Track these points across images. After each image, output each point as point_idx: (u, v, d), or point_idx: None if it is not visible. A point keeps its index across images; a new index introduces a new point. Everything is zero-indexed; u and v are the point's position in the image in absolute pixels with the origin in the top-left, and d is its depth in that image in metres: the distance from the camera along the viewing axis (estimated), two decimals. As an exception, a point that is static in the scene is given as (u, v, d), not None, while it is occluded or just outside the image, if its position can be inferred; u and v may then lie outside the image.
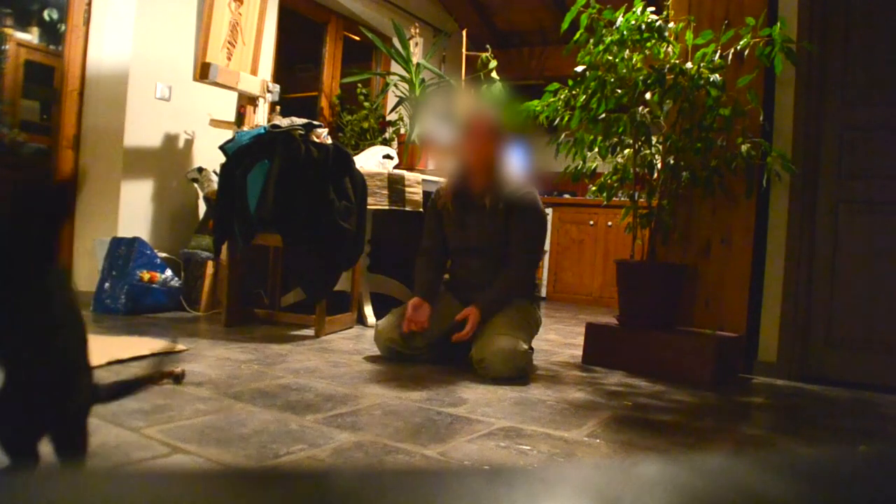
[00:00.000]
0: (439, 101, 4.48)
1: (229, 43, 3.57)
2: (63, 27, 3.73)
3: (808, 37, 2.74)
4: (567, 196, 6.04)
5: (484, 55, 4.21)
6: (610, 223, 5.61)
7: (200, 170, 3.68)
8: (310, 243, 3.04)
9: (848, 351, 2.70)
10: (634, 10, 2.65)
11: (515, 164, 2.84)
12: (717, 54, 2.65)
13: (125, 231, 3.54)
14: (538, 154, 5.67)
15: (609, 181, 2.95)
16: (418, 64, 4.27)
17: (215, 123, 3.71)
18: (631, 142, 2.82)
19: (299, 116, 3.35)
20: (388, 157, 3.82)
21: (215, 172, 3.53)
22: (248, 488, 0.24)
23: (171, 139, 3.77)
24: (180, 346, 2.50)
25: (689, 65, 2.65)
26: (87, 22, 3.65)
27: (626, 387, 2.42)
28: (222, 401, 1.81)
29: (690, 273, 2.92)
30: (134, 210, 3.60)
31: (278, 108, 4.08)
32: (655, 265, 2.85)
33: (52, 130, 3.74)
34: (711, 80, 2.60)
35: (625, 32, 2.64)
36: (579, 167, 2.90)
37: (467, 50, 4.58)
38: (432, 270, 2.71)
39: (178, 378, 1.96)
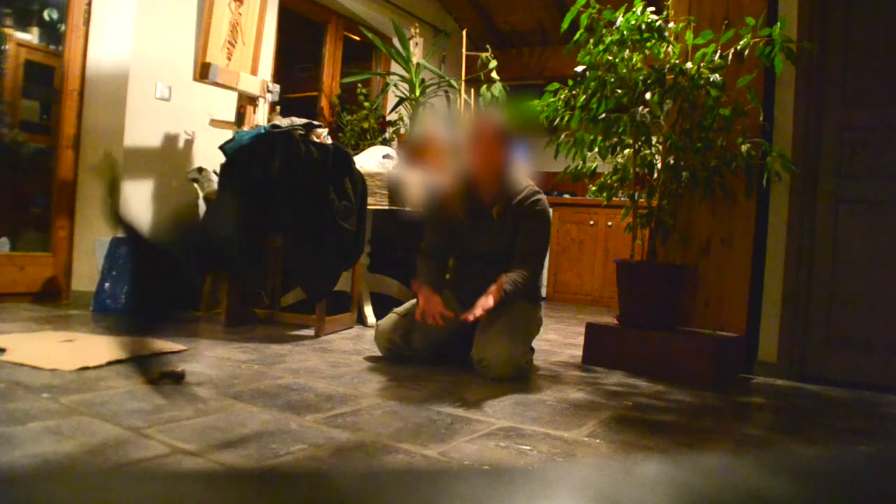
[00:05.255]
0: (439, 101, 4.48)
1: (229, 43, 3.57)
2: (63, 27, 3.73)
3: (808, 37, 2.74)
4: (567, 196, 6.04)
5: (484, 55, 4.21)
6: (610, 223, 5.61)
7: (200, 170, 3.68)
8: (310, 243, 3.04)
9: (848, 351, 2.69)
10: (634, 10, 2.65)
11: (522, 167, 2.80)
12: (717, 54, 2.65)
13: (125, 231, 3.53)
14: (538, 154, 5.68)
15: (609, 181, 2.95)
16: (418, 64, 4.28)
17: (215, 123, 3.71)
18: (631, 142, 2.82)
19: (299, 116, 3.35)
20: (388, 157, 3.82)
21: (215, 172, 3.53)
22: (248, 488, 0.24)
23: (171, 139, 3.76)
24: (179, 346, 2.49)
25: (689, 65, 2.65)
26: (87, 22, 3.65)
27: (626, 387, 2.42)
28: (222, 401, 1.81)
29: (690, 273, 2.92)
30: (134, 210, 3.60)
31: (278, 108, 4.08)
32: (655, 265, 2.85)
33: (52, 130, 3.74)
34: (711, 80, 2.60)
35: (625, 32, 2.64)
36: (579, 167, 2.89)
37: (467, 50, 4.58)
38: (436, 267, 2.67)
39: (178, 378, 1.96)
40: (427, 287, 2.50)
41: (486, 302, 2.35)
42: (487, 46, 4.39)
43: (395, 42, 4.65)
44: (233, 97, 3.82)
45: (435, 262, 2.67)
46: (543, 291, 5.77)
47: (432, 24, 5.58)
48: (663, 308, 2.77)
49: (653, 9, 2.68)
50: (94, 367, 2.05)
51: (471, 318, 2.33)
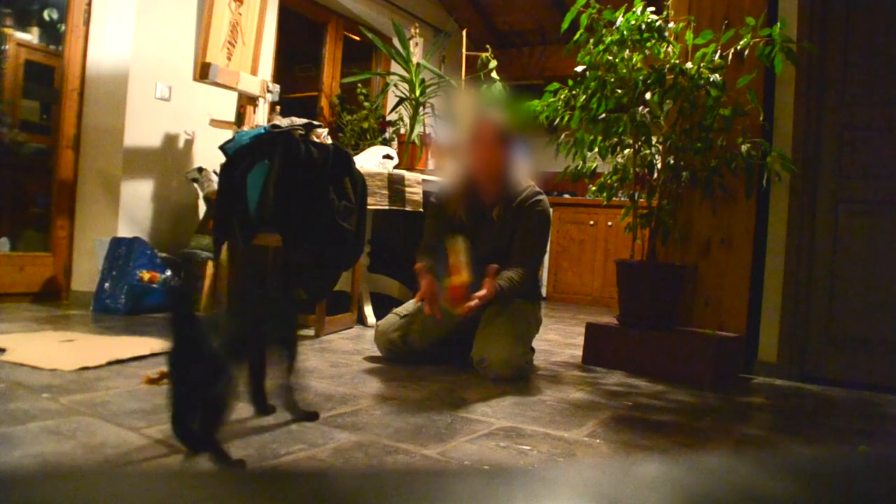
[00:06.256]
0: (439, 101, 4.48)
1: (229, 43, 3.57)
2: (63, 27, 3.73)
3: (808, 37, 2.74)
4: (567, 196, 6.04)
5: (484, 55, 4.21)
6: (610, 223, 5.60)
7: (200, 170, 3.68)
8: (310, 243, 3.04)
9: (848, 351, 2.70)
10: (634, 10, 2.65)
11: (522, 167, 2.78)
12: (717, 54, 2.65)
13: (125, 231, 3.53)
14: (538, 154, 5.68)
15: (609, 181, 2.95)
16: (418, 64, 4.27)
17: (215, 123, 3.71)
18: (631, 142, 2.82)
19: (299, 116, 3.35)
20: (388, 157, 3.82)
21: (215, 172, 3.52)
22: (247, 488, 0.24)
23: (171, 139, 3.77)
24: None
25: (689, 65, 2.65)
26: (87, 22, 3.65)
27: (626, 387, 2.42)
28: (222, 401, 1.81)
29: (690, 273, 2.92)
30: (134, 210, 3.60)
31: (278, 108, 4.08)
32: (655, 265, 2.85)
33: (52, 130, 3.74)
34: (711, 80, 2.60)
35: (625, 32, 2.64)
36: (579, 167, 2.89)
37: (467, 50, 4.58)
38: (435, 263, 2.67)
39: (178, 378, 1.96)
40: (430, 275, 2.48)
41: (480, 293, 2.34)
42: (487, 46, 4.39)
43: (395, 42, 4.64)
44: (233, 97, 3.83)
45: (435, 259, 2.66)
46: (543, 291, 5.77)
47: (432, 24, 5.57)
48: (663, 308, 2.77)
49: (653, 9, 2.68)
50: (94, 367, 2.05)
51: (466, 309, 2.32)
